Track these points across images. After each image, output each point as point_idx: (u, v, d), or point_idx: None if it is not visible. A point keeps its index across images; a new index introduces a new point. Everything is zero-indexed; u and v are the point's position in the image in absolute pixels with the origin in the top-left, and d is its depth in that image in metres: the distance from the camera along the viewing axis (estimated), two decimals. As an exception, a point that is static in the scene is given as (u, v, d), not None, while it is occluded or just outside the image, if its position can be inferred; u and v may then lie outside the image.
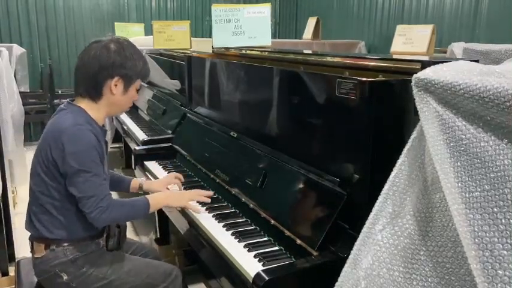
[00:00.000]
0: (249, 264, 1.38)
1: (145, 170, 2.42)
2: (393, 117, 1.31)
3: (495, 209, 0.80)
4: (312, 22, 5.20)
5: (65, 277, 1.59)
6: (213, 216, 1.74)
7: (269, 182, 1.67)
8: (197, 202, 1.83)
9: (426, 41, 2.69)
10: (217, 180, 1.97)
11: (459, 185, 0.85)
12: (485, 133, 0.84)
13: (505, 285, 0.76)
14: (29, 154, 2.14)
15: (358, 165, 1.34)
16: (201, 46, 3.58)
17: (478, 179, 0.83)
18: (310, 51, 2.23)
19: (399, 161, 1.03)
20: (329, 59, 1.73)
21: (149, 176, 2.31)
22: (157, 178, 2.19)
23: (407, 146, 1.02)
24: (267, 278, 1.22)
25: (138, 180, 1.97)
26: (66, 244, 1.59)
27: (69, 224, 1.58)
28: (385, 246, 1.01)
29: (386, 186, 1.04)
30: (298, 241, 1.40)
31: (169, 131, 2.75)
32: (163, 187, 1.96)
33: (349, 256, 1.09)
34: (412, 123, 1.15)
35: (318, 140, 1.56)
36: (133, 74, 1.63)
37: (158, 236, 2.85)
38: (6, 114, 2.98)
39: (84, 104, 1.61)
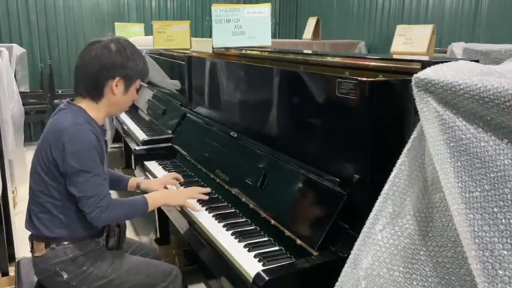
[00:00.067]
0: (249, 264, 1.38)
1: (145, 170, 2.42)
2: (393, 117, 1.31)
3: (495, 209, 0.80)
4: (312, 22, 5.20)
5: (65, 276, 1.59)
6: (213, 216, 1.74)
7: (269, 182, 1.67)
8: (196, 200, 1.83)
9: (426, 41, 2.69)
10: (217, 180, 1.97)
11: (459, 185, 0.85)
12: (485, 133, 0.84)
13: (505, 285, 0.76)
14: (29, 154, 2.14)
15: (358, 165, 1.34)
16: (201, 46, 3.58)
17: (478, 179, 0.83)
18: (310, 51, 2.23)
19: (399, 161, 1.03)
20: (329, 59, 1.73)
21: (149, 176, 2.31)
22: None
23: (407, 146, 1.02)
24: (267, 278, 1.22)
25: (136, 180, 1.98)
26: (66, 243, 1.60)
27: (69, 222, 1.59)
28: (385, 246, 1.01)
29: (386, 186, 1.04)
30: (298, 241, 1.40)
31: (169, 131, 2.75)
32: (160, 186, 1.97)
33: (349, 256, 1.09)
34: (412, 123, 1.15)
35: (318, 140, 1.56)
36: (134, 74, 1.63)
37: (158, 236, 2.85)
38: (6, 114, 2.98)
39: (85, 103, 1.61)
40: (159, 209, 2.15)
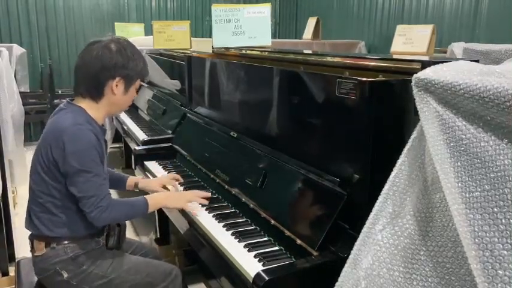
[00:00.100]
0: (249, 264, 1.38)
1: (145, 170, 2.43)
2: (393, 117, 1.31)
3: (495, 209, 0.80)
4: (312, 22, 5.20)
5: (65, 275, 1.59)
6: (213, 216, 1.74)
7: (269, 182, 1.67)
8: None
9: (426, 41, 2.69)
10: (217, 180, 1.97)
11: (459, 185, 0.85)
12: (485, 133, 0.84)
13: (505, 285, 0.76)
14: (29, 154, 2.14)
15: (358, 165, 1.34)
16: (201, 46, 3.58)
17: (478, 179, 0.83)
18: (310, 51, 2.23)
19: (399, 161, 1.03)
20: (329, 59, 1.73)
21: (149, 176, 2.31)
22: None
23: (407, 146, 1.02)
24: (267, 278, 1.22)
25: (134, 178, 1.98)
26: (66, 242, 1.60)
27: (69, 222, 1.59)
28: (385, 246, 1.01)
29: (386, 186, 1.04)
30: (298, 241, 1.40)
31: (170, 131, 2.75)
32: (159, 186, 1.97)
33: (349, 256, 1.09)
34: (412, 123, 1.15)
35: (318, 140, 1.56)
36: (134, 74, 1.64)
37: (158, 236, 2.85)
38: (6, 114, 2.98)
39: (85, 103, 1.62)
40: (159, 209, 2.15)
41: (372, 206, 1.06)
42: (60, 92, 5.70)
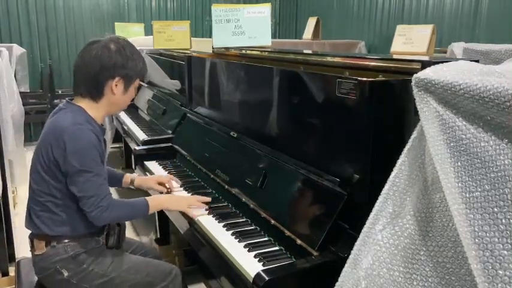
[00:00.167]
0: (249, 264, 1.38)
1: (145, 170, 2.43)
2: (393, 117, 1.31)
3: (495, 209, 0.80)
4: (312, 22, 5.20)
5: (66, 274, 1.60)
6: (213, 216, 1.74)
7: (269, 182, 1.67)
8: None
9: (426, 41, 2.69)
10: (218, 180, 1.97)
11: (459, 185, 0.85)
12: (485, 133, 0.84)
13: (505, 285, 0.76)
14: (29, 154, 2.14)
15: (358, 165, 1.34)
16: (201, 46, 3.58)
17: (478, 179, 0.83)
18: (310, 51, 2.23)
19: (399, 161, 1.03)
20: (329, 59, 1.73)
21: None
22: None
23: (407, 146, 1.02)
24: (267, 278, 1.22)
25: (130, 176, 1.99)
26: (66, 241, 1.60)
27: (70, 220, 1.59)
28: (385, 246, 1.01)
29: (386, 186, 1.04)
30: (299, 241, 1.40)
31: (170, 131, 2.75)
32: (154, 183, 1.99)
33: (350, 256, 1.08)
34: (412, 123, 1.15)
35: (318, 140, 1.56)
36: (134, 74, 1.64)
37: (158, 236, 2.85)
38: (6, 114, 2.98)
39: (84, 103, 1.62)
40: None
41: (372, 206, 1.06)
42: (60, 92, 5.70)
